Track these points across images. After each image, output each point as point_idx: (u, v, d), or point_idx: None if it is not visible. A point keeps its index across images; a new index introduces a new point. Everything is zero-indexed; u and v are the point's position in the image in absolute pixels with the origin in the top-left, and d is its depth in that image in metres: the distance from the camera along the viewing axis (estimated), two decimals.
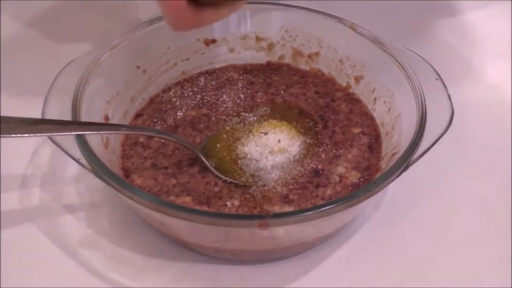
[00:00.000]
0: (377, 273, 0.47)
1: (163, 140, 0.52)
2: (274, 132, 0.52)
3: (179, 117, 0.55)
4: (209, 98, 0.57)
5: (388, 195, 0.52)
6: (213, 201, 0.47)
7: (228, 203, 0.47)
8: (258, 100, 0.57)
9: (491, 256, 0.48)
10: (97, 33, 0.66)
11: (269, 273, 0.47)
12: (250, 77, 0.60)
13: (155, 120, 0.55)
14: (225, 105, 0.56)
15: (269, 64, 0.61)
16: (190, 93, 0.58)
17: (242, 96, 0.57)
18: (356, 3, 0.70)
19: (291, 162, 0.50)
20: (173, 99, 0.57)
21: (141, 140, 0.53)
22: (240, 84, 0.59)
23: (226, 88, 0.58)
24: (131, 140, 0.53)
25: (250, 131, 0.53)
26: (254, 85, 0.59)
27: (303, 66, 0.61)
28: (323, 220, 0.40)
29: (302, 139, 0.52)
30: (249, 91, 0.58)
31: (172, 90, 0.58)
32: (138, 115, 0.56)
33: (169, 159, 0.51)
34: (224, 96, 0.57)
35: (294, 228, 0.42)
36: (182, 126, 0.54)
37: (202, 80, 0.59)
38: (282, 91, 0.58)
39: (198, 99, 0.57)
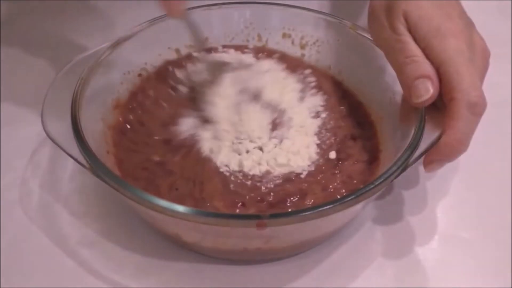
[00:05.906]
0: (377, 273, 0.47)
1: None
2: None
3: None
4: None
5: (388, 195, 0.52)
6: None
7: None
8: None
9: (491, 256, 0.49)
10: (97, 33, 0.66)
11: (269, 273, 0.47)
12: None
13: None
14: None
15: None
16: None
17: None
18: (356, 3, 0.69)
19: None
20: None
21: None
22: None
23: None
24: None
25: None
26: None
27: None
28: (322, 220, 0.40)
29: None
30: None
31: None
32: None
33: None
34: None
35: (292, 228, 0.42)
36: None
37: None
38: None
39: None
